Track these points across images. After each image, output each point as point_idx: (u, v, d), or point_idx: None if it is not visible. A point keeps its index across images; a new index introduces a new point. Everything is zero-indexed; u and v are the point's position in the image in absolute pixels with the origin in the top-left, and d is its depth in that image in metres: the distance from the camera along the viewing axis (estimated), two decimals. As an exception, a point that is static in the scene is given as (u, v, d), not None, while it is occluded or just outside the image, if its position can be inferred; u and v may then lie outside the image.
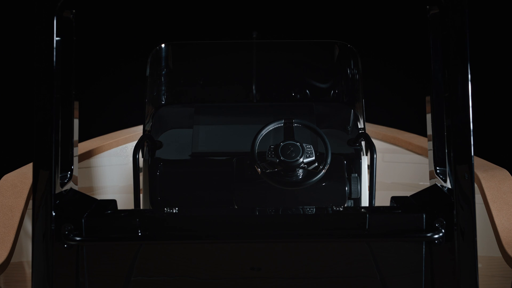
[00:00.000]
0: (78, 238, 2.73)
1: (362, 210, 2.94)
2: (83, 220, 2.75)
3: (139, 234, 2.75)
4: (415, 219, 2.78)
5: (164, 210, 2.85)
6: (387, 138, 5.45)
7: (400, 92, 7.39)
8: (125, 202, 5.01)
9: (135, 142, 3.80)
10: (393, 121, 6.48)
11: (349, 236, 2.80)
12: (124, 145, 5.38)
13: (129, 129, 5.73)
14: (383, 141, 5.46)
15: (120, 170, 5.34)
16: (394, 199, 3.06)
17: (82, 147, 5.09)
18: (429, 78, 2.98)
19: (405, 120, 6.93)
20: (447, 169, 2.82)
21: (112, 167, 5.31)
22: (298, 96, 4.21)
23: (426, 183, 4.65)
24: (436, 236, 2.74)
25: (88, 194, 4.92)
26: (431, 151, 3.02)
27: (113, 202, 3.02)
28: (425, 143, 5.19)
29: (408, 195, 3.09)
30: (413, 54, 6.93)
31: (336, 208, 2.88)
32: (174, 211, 2.83)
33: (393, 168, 5.41)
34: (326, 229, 2.78)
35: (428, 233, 2.75)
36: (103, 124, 6.61)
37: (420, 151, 5.17)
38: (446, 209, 2.78)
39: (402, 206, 2.96)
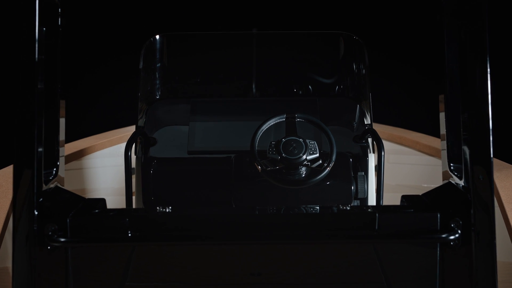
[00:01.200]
0: (62, 239, 2.58)
1: (371, 209, 2.79)
2: (68, 220, 2.60)
3: (129, 235, 2.61)
4: (429, 219, 2.64)
5: (157, 209, 2.71)
6: (393, 137, 5.34)
7: (407, 89, 7.23)
8: (119, 204, 4.90)
9: None
10: (399, 119, 6.36)
11: (357, 237, 2.66)
12: (118, 145, 5.27)
13: (123, 128, 5.63)
14: (389, 140, 5.36)
15: (113, 172, 5.24)
16: (404, 198, 2.92)
17: (72, 147, 4.98)
18: (443, 73, 2.86)
19: (412, 118, 6.83)
20: (463, 166, 2.68)
21: (106, 168, 5.20)
22: (300, 92, 4.13)
23: (434, 186, 4.64)
24: (452, 237, 2.59)
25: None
26: (445, 151, 2.90)
27: (101, 201, 2.89)
28: (434, 142, 5.09)
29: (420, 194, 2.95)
30: (424, 46, 6.78)
31: (342, 207, 2.74)
32: (167, 211, 2.69)
33: (399, 169, 5.31)
34: (332, 230, 2.65)
35: (443, 234, 2.60)
36: (94, 122, 6.59)
37: (429, 151, 5.06)
38: (462, 208, 2.63)
39: (414, 205, 2.82)
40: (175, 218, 2.69)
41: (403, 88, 7.24)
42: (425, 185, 5.10)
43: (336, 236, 2.65)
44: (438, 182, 4.32)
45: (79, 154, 4.95)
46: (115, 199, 5.00)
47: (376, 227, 2.61)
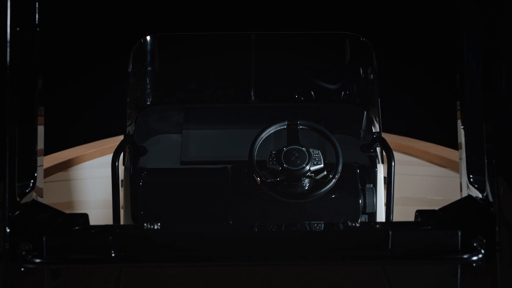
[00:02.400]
0: (37, 260, 2.40)
1: (383, 226, 2.64)
2: (44, 238, 2.42)
3: (113, 255, 2.43)
4: (449, 237, 2.46)
5: (144, 225, 2.54)
6: (399, 147, 5.24)
7: (416, 95, 7.02)
8: (108, 218, 4.74)
9: None
10: (406, 128, 6.24)
11: (368, 258, 2.48)
12: (109, 155, 5.03)
13: (115, 137, 5.56)
14: (395, 150, 5.24)
15: (104, 183, 5.14)
16: (419, 213, 2.75)
17: (59, 157, 4.89)
18: (462, 78, 2.72)
19: (420, 127, 6.69)
20: (486, 178, 2.52)
21: (95, 180, 5.12)
22: (303, 98, 4.05)
23: (446, 198, 4.58)
24: (475, 257, 2.41)
25: (66, 210, 4.70)
26: (463, 161, 2.77)
27: (83, 217, 2.72)
28: (444, 152, 4.99)
29: (436, 209, 2.79)
30: (437, 48, 6.58)
31: (351, 224, 2.56)
32: (156, 227, 2.52)
33: (406, 181, 5.19)
34: (339, 249, 2.50)
35: (465, 254, 2.42)
36: (82, 130, 6.43)
37: (439, 162, 4.95)
38: (485, 224, 2.45)
39: (430, 221, 2.64)
40: (165, 236, 2.53)
41: (411, 94, 7.05)
42: (435, 198, 5.02)
43: (344, 256, 2.49)
44: (450, 194, 4.29)
45: (67, 165, 4.86)
46: (105, 213, 4.90)
47: (389, 246, 2.44)
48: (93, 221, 4.43)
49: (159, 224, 2.55)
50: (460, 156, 2.83)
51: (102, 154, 5.11)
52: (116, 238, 2.46)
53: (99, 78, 7.01)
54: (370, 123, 3.86)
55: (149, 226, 2.53)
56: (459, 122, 2.80)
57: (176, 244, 2.50)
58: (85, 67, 7.05)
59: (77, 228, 2.57)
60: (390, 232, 2.45)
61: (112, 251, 2.43)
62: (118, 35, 6.58)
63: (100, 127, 6.05)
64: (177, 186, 3.60)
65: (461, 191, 2.85)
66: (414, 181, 5.16)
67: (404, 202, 5.06)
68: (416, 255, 2.46)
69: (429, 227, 2.56)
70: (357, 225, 2.56)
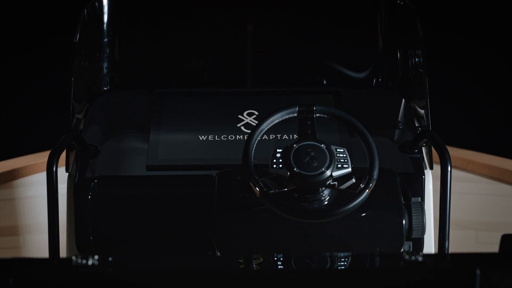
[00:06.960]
0: None
1: (464, 260, 2.15)
2: None
3: None
4: None
5: (73, 259, 2.04)
6: (434, 156, 4.89)
7: (469, 82, 6.43)
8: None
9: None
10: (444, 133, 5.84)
11: None
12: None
13: None
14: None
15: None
16: (507, 238, 2.27)
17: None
18: None
19: (460, 132, 6.24)
20: None
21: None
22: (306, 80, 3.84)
23: (497, 221, 4.48)
24: None
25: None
26: None
27: None
28: (493, 161, 4.67)
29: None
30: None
31: (408, 257, 2.06)
32: (90, 262, 2.03)
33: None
34: None
35: None
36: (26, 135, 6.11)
37: (488, 172, 4.59)
38: None
39: None
40: (113, 278, 2.07)
41: (463, 81, 6.48)
42: (482, 220, 4.73)
43: None
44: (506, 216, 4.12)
45: (7, 178, 4.50)
46: (61, 238, 4.57)
47: None
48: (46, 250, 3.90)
49: (96, 257, 2.05)
50: None
51: (61, 164, 4.77)
52: (22, 281, 2.01)
53: (41, 60, 6.63)
54: (412, 115, 3.50)
55: (80, 260, 2.03)
56: None
57: None
58: (20, 46, 6.67)
59: None
60: (478, 272, 1.97)
61: None
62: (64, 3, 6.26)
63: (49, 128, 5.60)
64: (141, 200, 3.29)
65: None
66: (456, 198, 4.79)
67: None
68: None
69: None
70: (419, 258, 2.03)
